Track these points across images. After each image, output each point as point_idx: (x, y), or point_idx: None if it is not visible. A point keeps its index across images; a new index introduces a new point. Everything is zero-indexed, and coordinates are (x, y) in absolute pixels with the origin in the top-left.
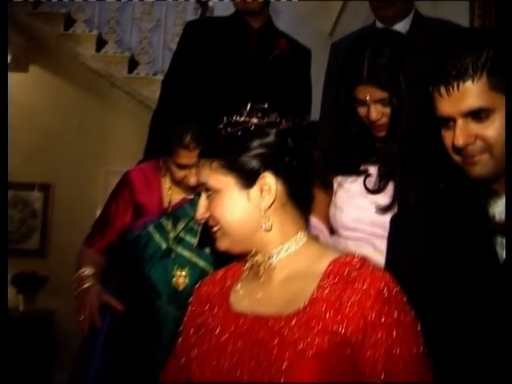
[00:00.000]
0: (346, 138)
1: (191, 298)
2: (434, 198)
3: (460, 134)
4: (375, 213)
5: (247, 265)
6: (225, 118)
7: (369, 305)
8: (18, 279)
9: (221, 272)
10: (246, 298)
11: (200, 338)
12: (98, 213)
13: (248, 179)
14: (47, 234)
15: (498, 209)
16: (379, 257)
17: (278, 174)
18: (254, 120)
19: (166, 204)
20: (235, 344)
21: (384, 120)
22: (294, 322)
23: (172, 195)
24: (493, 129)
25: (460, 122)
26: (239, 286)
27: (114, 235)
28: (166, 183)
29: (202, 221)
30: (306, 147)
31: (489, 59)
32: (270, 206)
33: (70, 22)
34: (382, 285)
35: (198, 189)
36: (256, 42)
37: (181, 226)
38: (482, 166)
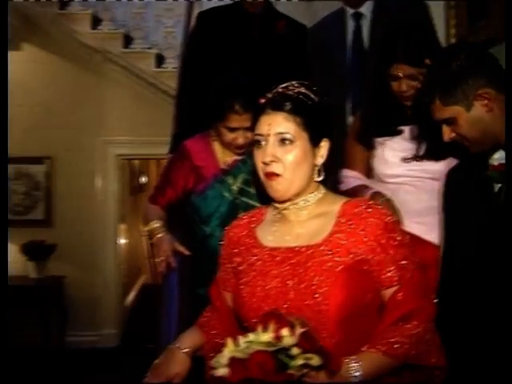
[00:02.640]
0: (383, 106)
1: (223, 241)
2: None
3: None
4: (410, 162)
5: (274, 209)
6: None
7: (379, 232)
8: (28, 248)
9: (245, 217)
10: (274, 236)
11: (245, 270)
12: (98, 181)
13: (316, 140)
14: (51, 205)
15: (495, 156)
16: (420, 194)
17: (330, 140)
18: (302, 89)
19: (221, 165)
20: (277, 268)
21: (411, 92)
22: (321, 248)
23: (224, 157)
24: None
25: None
26: (265, 227)
27: (174, 195)
28: (218, 148)
29: (266, 168)
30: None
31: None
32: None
33: (65, 3)
34: (387, 218)
35: (246, 149)
36: (257, 26)
37: (239, 179)
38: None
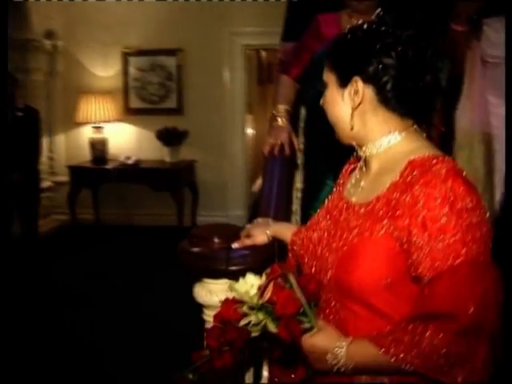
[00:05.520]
0: None
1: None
2: None
3: None
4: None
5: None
6: None
7: (432, 205)
8: (162, 134)
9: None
10: (352, 186)
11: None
12: (226, 72)
13: (343, 80)
14: (183, 94)
15: None
16: None
17: (367, 80)
18: (348, 26)
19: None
20: (325, 221)
21: None
22: (362, 211)
23: (350, 24)
24: None
25: None
26: (353, 175)
27: (308, 58)
28: (345, 18)
29: None
30: (403, 56)
31: None
32: (356, 108)
33: None
34: (444, 190)
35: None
36: None
37: None
38: None
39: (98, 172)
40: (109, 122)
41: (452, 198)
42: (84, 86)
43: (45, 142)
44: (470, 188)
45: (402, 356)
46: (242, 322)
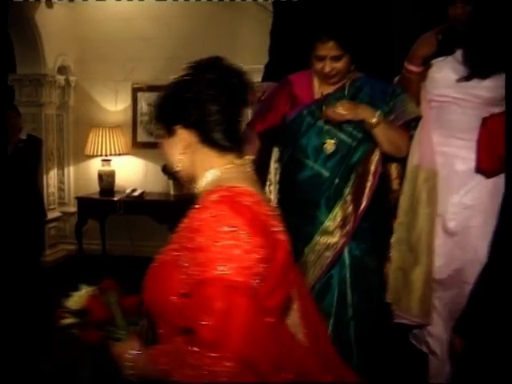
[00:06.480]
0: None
1: None
2: None
3: None
4: (459, 82)
5: None
6: None
7: (195, 227)
8: (167, 169)
9: None
10: None
11: None
12: None
13: (169, 130)
14: None
15: None
16: (461, 115)
17: (188, 126)
18: (171, 78)
19: (316, 96)
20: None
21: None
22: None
23: (321, 90)
24: None
25: None
26: None
27: (274, 120)
28: (316, 81)
29: None
30: (212, 97)
31: None
32: (184, 151)
33: None
34: (208, 214)
35: (340, 80)
36: None
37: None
38: None
39: (105, 203)
40: (117, 155)
41: (215, 222)
42: (94, 119)
43: (55, 173)
44: (237, 213)
45: (166, 367)
46: (65, 322)
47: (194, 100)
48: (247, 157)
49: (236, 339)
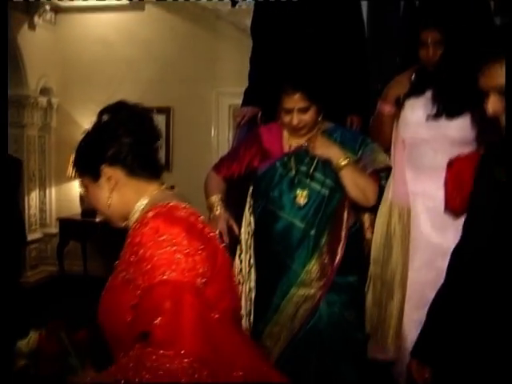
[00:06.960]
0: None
1: None
2: None
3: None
4: (430, 121)
5: None
6: None
7: (137, 241)
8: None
9: None
10: None
11: None
12: (213, 130)
13: (95, 175)
14: (170, 151)
15: None
16: (431, 155)
17: (112, 163)
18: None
19: (286, 148)
20: None
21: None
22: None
23: (290, 142)
24: None
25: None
26: None
27: (237, 170)
28: (286, 134)
29: None
30: (127, 135)
31: None
32: (113, 189)
33: None
34: (148, 228)
35: (307, 130)
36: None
37: (299, 161)
38: None
39: (87, 225)
40: None
41: (154, 233)
42: (76, 141)
43: (37, 194)
44: (171, 225)
45: (124, 379)
46: (20, 364)
47: (112, 137)
48: (166, 184)
49: (188, 335)
